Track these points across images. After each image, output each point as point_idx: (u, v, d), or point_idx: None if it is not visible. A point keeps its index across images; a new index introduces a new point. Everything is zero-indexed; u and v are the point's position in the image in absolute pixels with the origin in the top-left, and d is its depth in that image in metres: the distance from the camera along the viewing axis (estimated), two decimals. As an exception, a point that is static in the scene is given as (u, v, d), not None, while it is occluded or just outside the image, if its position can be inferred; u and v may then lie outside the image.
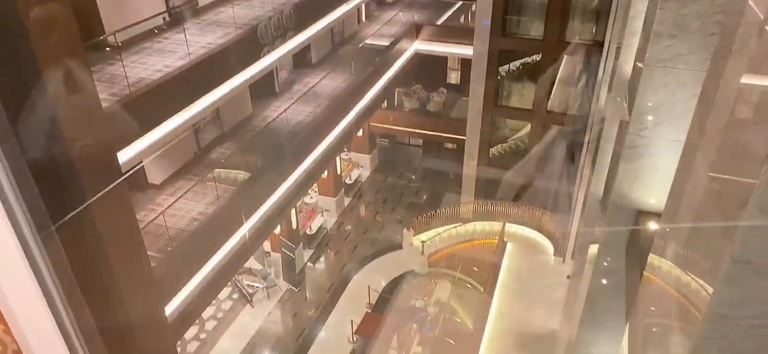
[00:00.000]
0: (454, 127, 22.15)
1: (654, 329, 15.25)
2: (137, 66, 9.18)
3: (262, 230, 12.07)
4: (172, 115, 8.67)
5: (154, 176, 11.46)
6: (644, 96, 4.89)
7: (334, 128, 15.65)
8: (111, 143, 6.64)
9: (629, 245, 6.74)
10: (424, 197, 23.23)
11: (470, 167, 20.86)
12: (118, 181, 6.10)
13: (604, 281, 7.97)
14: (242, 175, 12.23)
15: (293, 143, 13.41)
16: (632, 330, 12.85)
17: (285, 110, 13.78)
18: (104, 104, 7.60)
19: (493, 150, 21.37)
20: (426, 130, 23.08)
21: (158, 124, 8.47)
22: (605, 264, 7.64)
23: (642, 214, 5.92)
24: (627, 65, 9.46)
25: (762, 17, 14.46)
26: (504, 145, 21.80)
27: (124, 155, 7.75)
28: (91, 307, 3.93)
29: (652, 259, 15.74)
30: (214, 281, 10.45)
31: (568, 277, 12.85)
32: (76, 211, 4.71)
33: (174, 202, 10.01)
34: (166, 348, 7.80)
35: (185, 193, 10.40)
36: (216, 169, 11.84)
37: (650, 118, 5.01)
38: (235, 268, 11.51)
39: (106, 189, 5.63)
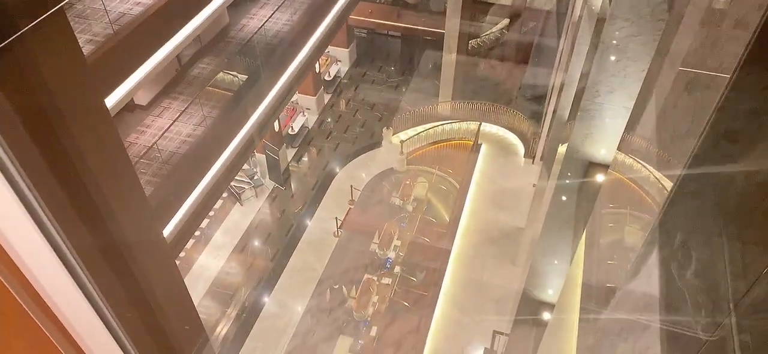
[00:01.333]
0: (433, 21, 22.02)
1: (610, 220, 16.90)
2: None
3: (247, 146, 12.64)
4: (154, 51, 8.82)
5: (140, 98, 11.70)
6: (599, 71, 5.50)
7: (315, 30, 15.59)
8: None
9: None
10: (404, 90, 23.61)
11: (449, 62, 21.12)
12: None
13: (564, 197, 9.03)
14: (226, 89, 12.55)
15: (275, 52, 13.54)
16: (591, 225, 14.37)
17: (263, 24, 13.68)
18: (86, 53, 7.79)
19: (471, 42, 21.52)
20: (404, 23, 22.86)
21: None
22: (567, 177, 8.61)
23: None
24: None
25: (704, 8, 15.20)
26: (482, 37, 21.91)
27: (113, 98, 8.08)
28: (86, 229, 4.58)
29: (616, 155, 17.02)
30: (209, 195, 11.24)
31: (533, 185, 13.98)
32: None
33: (170, 126, 10.40)
34: (167, 266, 8.62)
35: (179, 116, 10.77)
36: (202, 86, 12.09)
37: (603, 87, 5.66)
38: (229, 179, 12.24)
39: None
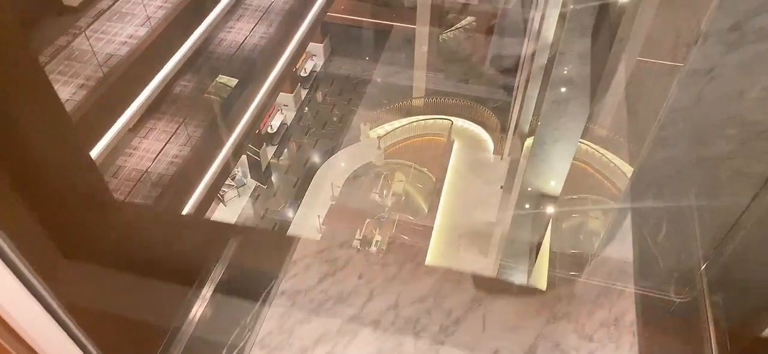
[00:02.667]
0: (405, 16, 22.60)
1: (573, 207, 18.06)
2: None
3: (230, 161, 13.28)
4: None
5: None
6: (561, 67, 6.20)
7: (292, 38, 16.10)
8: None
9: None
10: (379, 81, 24.14)
11: (421, 56, 21.78)
12: None
13: (528, 201, 9.96)
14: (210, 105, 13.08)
15: (256, 63, 14.08)
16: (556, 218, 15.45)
17: (247, 37, 14.16)
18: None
19: (442, 36, 22.20)
20: (377, 19, 23.36)
21: None
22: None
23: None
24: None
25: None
26: (452, 30, 22.60)
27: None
28: None
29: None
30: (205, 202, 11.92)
31: (501, 187, 14.96)
32: None
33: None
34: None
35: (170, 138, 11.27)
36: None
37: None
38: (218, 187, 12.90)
39: None
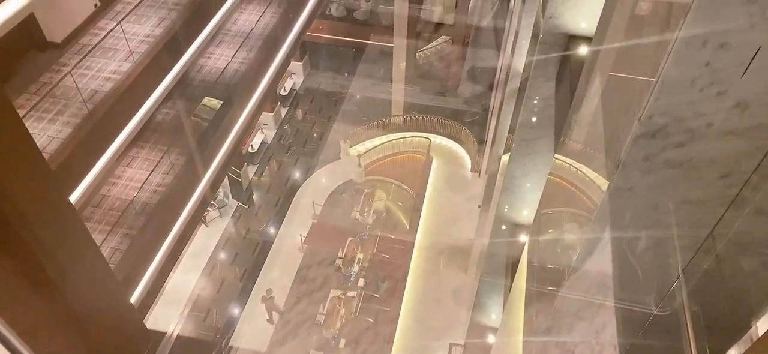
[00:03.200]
0: (381, 35, 23.05)
1: (551, 213, 18.63)
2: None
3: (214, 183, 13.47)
4: None
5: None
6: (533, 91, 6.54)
7: (273, 61, 16.36)
8: None
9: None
10: (358, 97, 24.50)
11: (399, 73, 22.25)
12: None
13: (504, 227, 10.42)
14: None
15: (238, 87, 14.30)
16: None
17: (228, 63, 14.38)
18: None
19: (418, 53, 22.72)
20: (354, 38, 23.77)
21: None
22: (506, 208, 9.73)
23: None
24: None
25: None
26: (428, 47, 23.14)
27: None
28: None
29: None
30: (178, 245, 12.06)
31: (479, 207, 15.46)
32: None
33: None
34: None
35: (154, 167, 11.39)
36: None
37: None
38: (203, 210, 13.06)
39: None
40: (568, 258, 17.30)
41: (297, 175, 21.60)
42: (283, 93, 24.07)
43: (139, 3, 10.50)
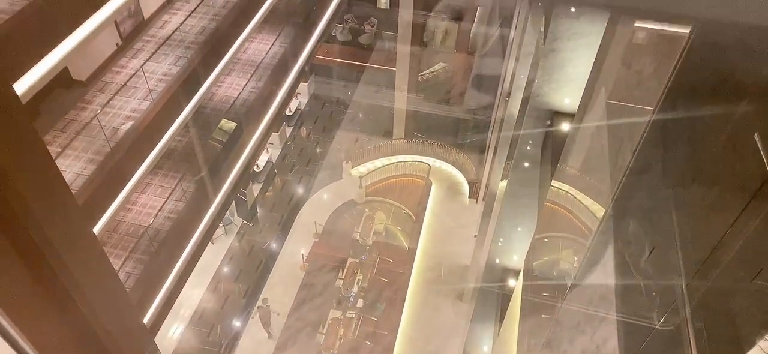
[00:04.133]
0: (385, 60, 23.78)
1: (545, 240, 19.28)
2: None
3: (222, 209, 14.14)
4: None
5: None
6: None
7: (282, 87, 17.15)
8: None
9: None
10: (360, 116, 25.14)
11: (400, 99, 22.93)
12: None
13: (501, 242, 11.01)
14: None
15: (248, 114, 15.03)
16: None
17: (240, 93, 15.10)
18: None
19: (420, 76, 23.41)
20: (358, 61, 24.51)
21: None
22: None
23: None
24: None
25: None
26: (430, 71, 23.85)
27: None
28: None
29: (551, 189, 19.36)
30: (192, 260, 12.72)
31: (474, 236, 16.09)
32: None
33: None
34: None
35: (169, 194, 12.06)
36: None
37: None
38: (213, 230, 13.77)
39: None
40: (564, 278, 17.87)
41: (300, 193, 22.26)
42: (288, 113, 24.76)
43: (159, 46, 11.20)
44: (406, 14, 20.53)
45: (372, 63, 24.40)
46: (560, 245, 19.46)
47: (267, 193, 22.43)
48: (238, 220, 21.32)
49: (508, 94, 13.83)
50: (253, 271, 19.87)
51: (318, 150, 23.96)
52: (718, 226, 2.86)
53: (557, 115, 6.26)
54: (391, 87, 22.97)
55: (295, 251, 19.93)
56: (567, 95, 6.44)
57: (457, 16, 21.13)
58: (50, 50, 7.66)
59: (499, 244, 10.33)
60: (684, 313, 3.04)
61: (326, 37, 24.35)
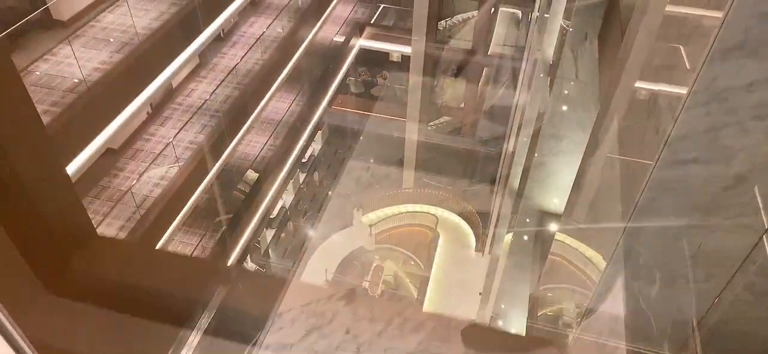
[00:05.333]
0: (396, 111, 24.74)
1: (549, 294, 19.65)
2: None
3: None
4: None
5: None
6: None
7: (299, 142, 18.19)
8: None
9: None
10: (372, 160, 25.88)
11: (411, 150, 23.75)
12: None
13: (503, 306, 11.57)
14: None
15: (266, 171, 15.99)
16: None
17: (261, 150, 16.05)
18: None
19: (430, 125, 24.29)
20: (371, 112, 25.52)
21: None
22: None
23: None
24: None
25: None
26: (439, 121, 24.74)
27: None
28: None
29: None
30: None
31: (479, 294, 16.61)
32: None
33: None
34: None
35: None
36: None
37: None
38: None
39: None
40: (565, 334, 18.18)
41: (312, 239, 22.90)
42: (303, 160, 25.65)
43: (189, 119, 12.14)
44: (416, 70, 21.55)
45: (382, 112, 25.41)
46: (563, 296, 19.80)
47: (280, 238, 23.15)
48: (251, 266, 21.99)
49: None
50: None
51: (329, 196, 24.72)
52: (731, 258, 2.86)
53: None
54: (401, 136, 23.80)
55: (306, 298, 20.49)
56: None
57: (465, 75, 22.12)
58: (98, 135, 8.55)
59: (502, 307, 10.90)
60: (694, 345, 3.06)
61: (340, 88, 25.48)
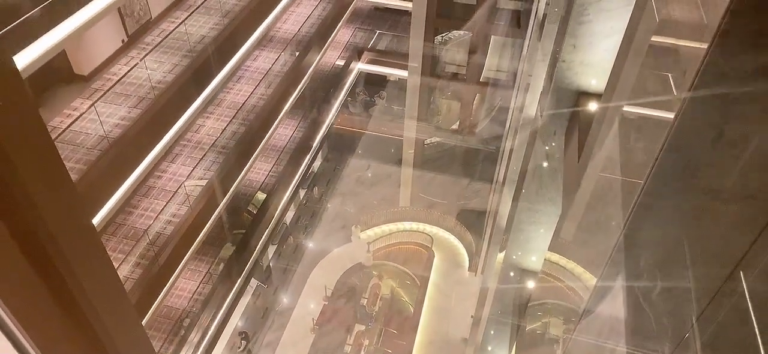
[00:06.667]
0: (393, 130, 25.55)
1: (539, 313, 20.50)
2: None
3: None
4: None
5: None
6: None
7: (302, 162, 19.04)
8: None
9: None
10: (370, 175, 26.68)
11: (407, 172, 24.56)
12: None
13: (492, 331, 12.34)
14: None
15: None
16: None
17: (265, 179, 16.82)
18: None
19: (426, 142, 25.12)
20: (368, 130, 26.32)
21: None
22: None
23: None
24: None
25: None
26: (435, 138, 25.53)
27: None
28: None
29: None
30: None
31: (471, 316, 17.45)
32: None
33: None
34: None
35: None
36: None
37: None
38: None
39: None
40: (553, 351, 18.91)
41: (312, 254, 23.72)
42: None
43: (201, 159, 12.91)
44: (413, 85, 22.32)
45: (379, 131, 26.21)
46: (551, 312, 20.65)
47: (280, 255, 23.94)
48: (253, 282, 22.78)
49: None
50: (266, 330, 21.26)
51: (329, 212, 25.52)
52: (731, 256, 2.86)
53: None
54: (399, 143, 24.56)
55: (306, 314, 21.31)
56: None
57: (459, 97, 22.92)
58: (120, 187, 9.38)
59: (492, 333, 11.72)
60: (694, 347, 3.03)
61: (340, 108, 26.25)
